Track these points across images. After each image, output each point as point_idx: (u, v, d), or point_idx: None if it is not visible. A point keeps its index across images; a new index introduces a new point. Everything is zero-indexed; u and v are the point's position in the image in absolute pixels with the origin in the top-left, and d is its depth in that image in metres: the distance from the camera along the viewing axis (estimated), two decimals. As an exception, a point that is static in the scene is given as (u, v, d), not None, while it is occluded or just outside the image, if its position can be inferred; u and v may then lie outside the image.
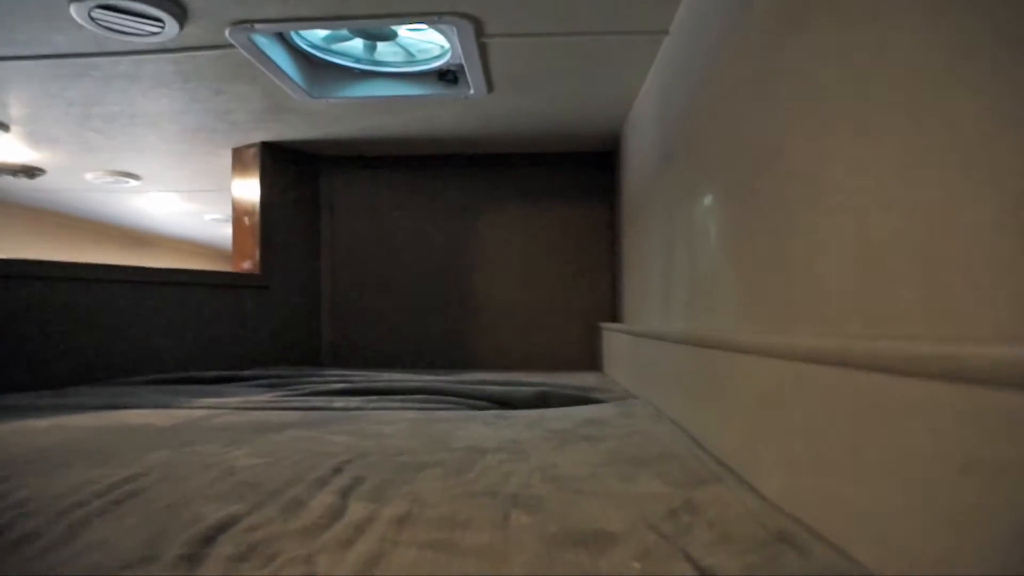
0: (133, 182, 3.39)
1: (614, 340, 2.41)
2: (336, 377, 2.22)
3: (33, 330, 2.01)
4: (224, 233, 5.19)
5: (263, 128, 2.60)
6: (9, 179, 3.23)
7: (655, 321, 1.81)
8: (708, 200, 1.25)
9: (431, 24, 1.74)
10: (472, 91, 2.14)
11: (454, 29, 1.70)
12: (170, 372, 2.32)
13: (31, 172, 3.13)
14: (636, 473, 0.90)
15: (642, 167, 2.08)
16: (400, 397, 1.78)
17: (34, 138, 2.67)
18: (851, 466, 0.59)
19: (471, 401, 1.69)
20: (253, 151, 2.78)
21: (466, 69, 1.97)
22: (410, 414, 1.55)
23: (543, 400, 1.66)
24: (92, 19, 1.60)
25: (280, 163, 2.84)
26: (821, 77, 0.75)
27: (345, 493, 0.85)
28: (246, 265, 2.77)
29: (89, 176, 3.27)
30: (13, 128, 2.52)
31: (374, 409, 1.66)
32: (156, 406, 1.72)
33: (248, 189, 2.79)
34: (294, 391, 1.99)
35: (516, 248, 2.97)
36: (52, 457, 1.12)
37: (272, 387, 2.15)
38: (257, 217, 2.75)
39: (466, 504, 0.80)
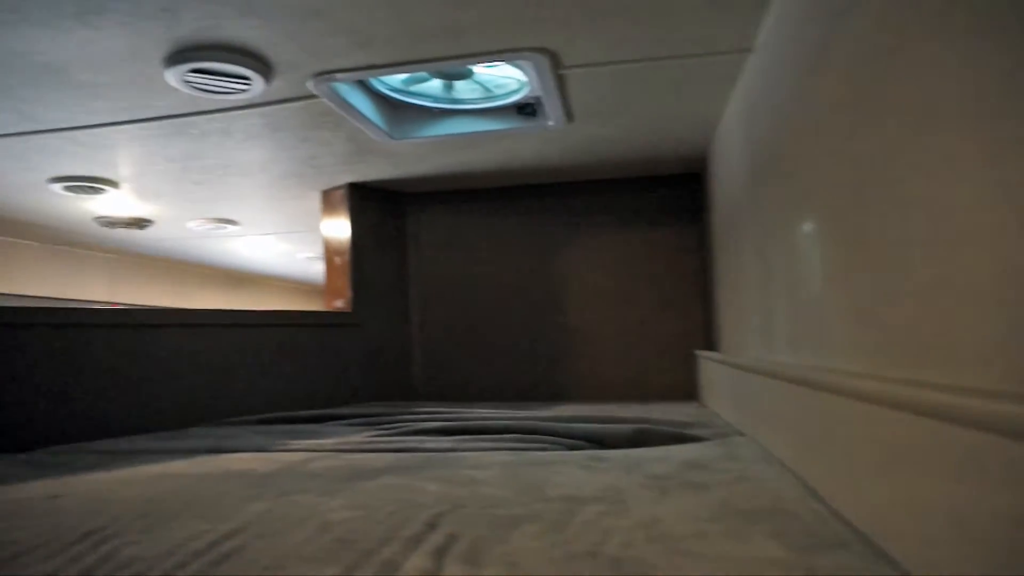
0: (231, 227, 3.56)
1: (712, 370, 2.31)
2: (429, 414, 2.22)
3: (147, 374, 2.11)
4: (317, 270, 5.38)
5: (349, 170, 2.66)
6: (123, 231, 3.45)
7: (755, 351, 1.72)
8: (808, 225, 1.17)
9: (507, 61, 1.73)
10: (552, 123, 2.12)
11: (531, 64, 1.69)
12: (270, 411, 2.38)
13: (141, 224, 3.33)
14: (748, 531, 0.83)
15: (732, 188, 2.00)
16: (493, 437, 1.75)
17: (141, 193, 2.84)
18: (1001, 545, 0.51)
19: (565, 440, 1.65)
20: (341, 192, 2.86)
21: (544, 102, 1.96)
22: (503, 456, 1.52)
23: (641, 438, 1.60)
24: (186, 82, 1.68)
25: (367, 202, 2.91)
26: (941, 94, 0.67)
27: (439, 554, 0.83)
28: (338, 303, 2.83)
29: (191, 224, 3.46)
30: (123, 185, 2.69)
31: (466, 451, 1.64)
32: (257, 449, 1.76)
33: (338, 229, 2.86)
34: (388, 430, 2.00)
35: (604, 275, 2.92)
36: (160, 509, 1.15)
37: (367, 425, 2.17)
38: (347, 256, 2.82)
39: (565, 569, 0.75)
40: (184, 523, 1.05)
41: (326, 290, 2.90)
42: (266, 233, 3.88)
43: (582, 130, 2.24)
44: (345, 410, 2.42)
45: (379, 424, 2.20)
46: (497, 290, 3.00)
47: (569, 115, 2.08)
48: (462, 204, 3.05)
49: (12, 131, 1.98)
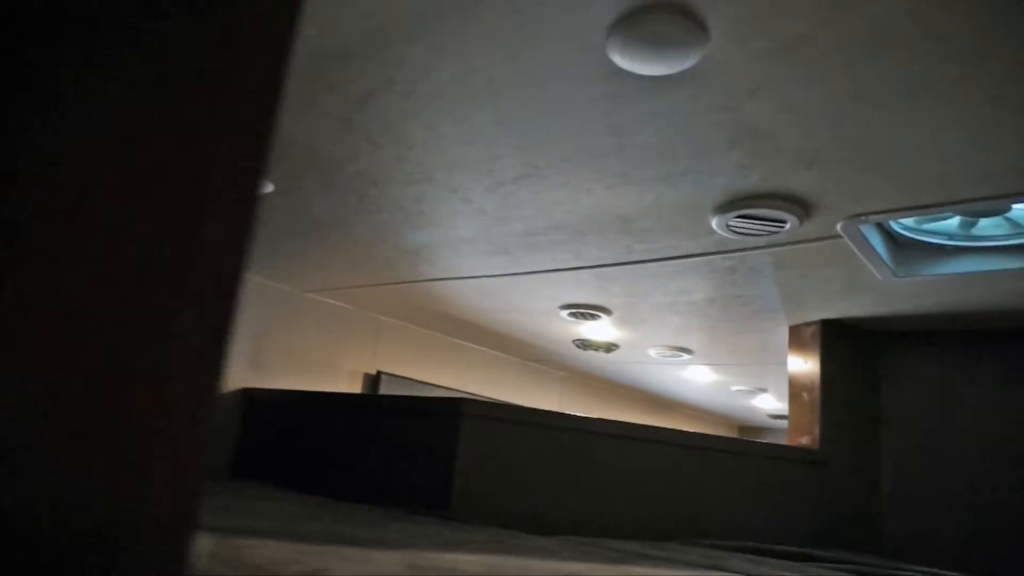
0: (685, 356, 3.79)
1: None
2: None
3: (607, 484, 2.32)
4: (742, 404, 5.39)
5: (826, 307, 2.67)
6: (592, 353, 3.93)
7: None
8: None
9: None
10: (1111, 261, 1.87)
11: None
12: (720, 537, 2.39)
13: (610, 348, 3.76)
14: None
15: None
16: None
17: (624, 321, 3.23)
18: None
19: None
20: (812, 329, 2.86)
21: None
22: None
23: None
24: (728, 227, 1.91)
25: (839, 340, 2.86)
26: None
27: None
28: (804, 440, 2.78)
29: (652, 351, 3.78)
30: (615, 312, 3.10)
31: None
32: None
33: (805, 366, 2.86)
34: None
35: None
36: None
37: (856, 574, 2.04)
38: (817, 393, 2.78)
39: None
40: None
41: (791, 426, 2.87)
42: (709, 363, 4.04)
43: None
44: (823, 552, 2.31)
45: (873, 577, 2.05)
46: (988, 444, 2.63)
47: None
48: (949, 345, 2.80)
49: (566, 267, 2.47)
